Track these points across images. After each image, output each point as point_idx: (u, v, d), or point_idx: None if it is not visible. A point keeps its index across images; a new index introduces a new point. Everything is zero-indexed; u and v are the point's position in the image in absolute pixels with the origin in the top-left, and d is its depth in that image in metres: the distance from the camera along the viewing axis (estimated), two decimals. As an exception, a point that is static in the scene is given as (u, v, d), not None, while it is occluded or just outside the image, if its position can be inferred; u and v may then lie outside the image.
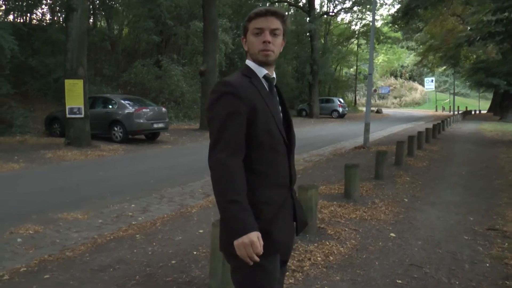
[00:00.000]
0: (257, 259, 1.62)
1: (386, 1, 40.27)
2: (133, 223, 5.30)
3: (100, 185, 7.58)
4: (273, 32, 1.80)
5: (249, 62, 1.87)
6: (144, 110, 13.77)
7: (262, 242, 1.62)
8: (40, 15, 22.71)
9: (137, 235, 4.72)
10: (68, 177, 8.26)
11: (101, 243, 4.47)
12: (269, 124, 1.77)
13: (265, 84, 1.85)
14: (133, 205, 6.17)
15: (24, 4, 20.83)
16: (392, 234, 4.79)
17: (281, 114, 1.88)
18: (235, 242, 1.62)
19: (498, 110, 36.52)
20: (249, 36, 1.84)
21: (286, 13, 1.94)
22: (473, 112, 47.21)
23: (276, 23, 1.81)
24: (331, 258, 4.02)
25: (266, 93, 1.82)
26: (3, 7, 20.05)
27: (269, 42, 1.79)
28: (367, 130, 13.04)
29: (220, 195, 1.65)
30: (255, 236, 1.61)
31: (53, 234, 4.83)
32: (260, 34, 1.80)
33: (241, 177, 1.67)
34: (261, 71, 1.85)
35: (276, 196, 1.80)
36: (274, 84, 1.90)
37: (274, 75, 1.90)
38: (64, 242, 4.57)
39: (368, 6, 35.09)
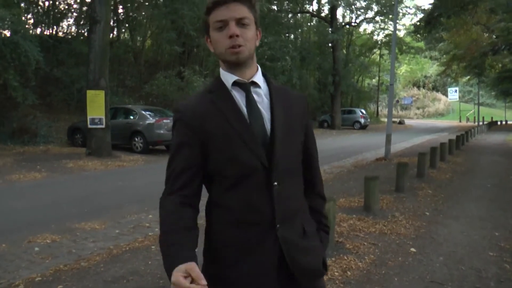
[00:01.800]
0: None
1: (408, 10, 39.87)
2: (150, 234, 5.28)
3: (119, 195, 7.63)
4: (240, 22, 1.39)
5: (221, 70, 1.49)
6: (164, 121, 13.87)
7: (196, 273, 1.20)
8: (66, 28, 23.31)
9: (153, 246, 4.69)
10: (87, 187, 8.35)
11: (116, 254, 4.45)
12: (233, 148, 1.37)
13: (236, 94, 1.44)
14: (150, 216, 6.17)
15: (51, 17, 21.40)
16: (413, 249, 4.64)
17: (266, 126, 1.42)
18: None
19: (526, 120, 35.57)
20: (212, 33, 1.42)
21: None
22: (499, 123, 46.18)
23: (242, 10, 1.39)
24: (349, 273, 3.90)
25: (232, 108, 1.41)
26: (32, 20, 20.63)
27: (238, 36, 1.37)
28: (388, 142, 12.84)
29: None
30: (179, 272, 1.20)
31: (70, 243, 4.84)
32: (224, 28, 1.39)
33: (175, 215, 1.38)
34: (230, 78, 1.44)
35: (242, 236, 1.40)
36: (260, 88, 1.47)
37: (257, 78, 1.46)
38: (80, 252, 4.58)
39: (390, 16, 34.85)
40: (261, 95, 1.46)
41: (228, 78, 1.44)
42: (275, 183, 1.38)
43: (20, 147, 13.18)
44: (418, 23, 24.28)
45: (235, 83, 1.44)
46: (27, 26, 17.35)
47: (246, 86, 1.44)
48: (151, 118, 13.81)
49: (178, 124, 1.42)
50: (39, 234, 5.06)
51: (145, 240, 4.98)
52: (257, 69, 1.49)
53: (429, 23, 20.49)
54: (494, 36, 27.01)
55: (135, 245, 4.78)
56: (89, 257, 4.39)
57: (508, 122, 48.03)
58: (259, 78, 1.47)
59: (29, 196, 7.38)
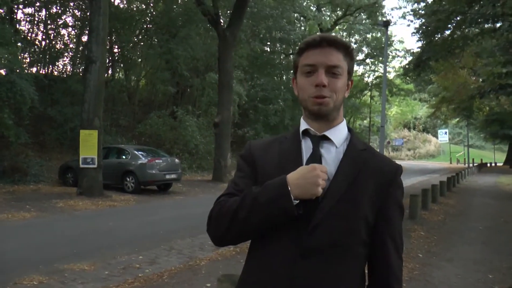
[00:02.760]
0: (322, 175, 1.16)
1: (398, 53, 41.09)
2: (140, 275, 5.18)
3: (109, 235, 7.51)
4: (331, 71, 1.24)
5: (302, 117, 1.36)
6: (157, 161, 13.87)
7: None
8: (62, 67, 23.57)
9: (143, 289, 4.60)
10: (78, 227, 8.22)
11: (105, 297, 4.35)
12: None
13: (304, 145, 1.30)
14: (141, 257, 6.07)
15: (47, 56, 21.68)
16: (407, 292, 4.59)
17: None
18: (295, 191, 1.16)
19: (515, 162, 35.98)
20: (299, 76, 1.30)
21: (351, 44, 1.34)
22: (488, 165, 46.58)
23: (335, 57, 1.25)
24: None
25: (293, 159, 1.27)
26: (28, 59, 20.87)
27: (325, 86, 1.23)
28: (380, 182, 12.87)
29: (228, 223, 1.24)
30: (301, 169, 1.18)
31: (58, 285, 4.73)
32: (313, 74, 1.25)
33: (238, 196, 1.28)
34: (302, 127, 1.32)
35: None
36: (334, 143, 1.29)
37: (332, 132, 1.29)
38: (69, 294, 4.47)
39: (380, 59, 35.76)
40: (331, 153, 1.28)
41: (302, 126, 1.33)
42: (304, 254, 1.19)
43: (10, 186, 13.01)
44: (407, 66, 24.91)
45: (306, 133, 1.31)
46: (23, 65, 17.54)
47: (315, 139, 1.29)
48: (143, 158, 13.80)
49: (240, 160, 1.37)
50: (26, 276, 4.94)
51: (135, 281, 4.88)
52: (340, 123, 1.32)
53: (418, 66, 21.04)
54: (480, 80, 27.72)
55: (125, 286, 4.68)
56: (77, 299, 4.28)
57: (498, 164, 48.44)
58: (337, 132, 1.30)
59: (17, 236, 7.25)
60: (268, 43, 30.22)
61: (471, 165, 38.61)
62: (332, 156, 1.27)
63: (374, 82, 42.64)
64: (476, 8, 15.29)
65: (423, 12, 21.13)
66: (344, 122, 1.33)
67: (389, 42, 35.43)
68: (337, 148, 1.28)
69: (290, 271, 1.18)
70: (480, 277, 5.27)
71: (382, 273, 1.28)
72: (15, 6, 19.20)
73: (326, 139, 1.28)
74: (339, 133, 1.30)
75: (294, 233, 1.20)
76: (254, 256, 1.30)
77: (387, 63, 30.93)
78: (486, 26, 16.71)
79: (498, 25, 15.72)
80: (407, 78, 28.90)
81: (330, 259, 1.19)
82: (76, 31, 22.79)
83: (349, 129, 1.34)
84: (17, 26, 19.49)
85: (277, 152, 1.31)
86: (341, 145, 1.29)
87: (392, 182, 1.28)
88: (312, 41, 1.26)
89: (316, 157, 1.25)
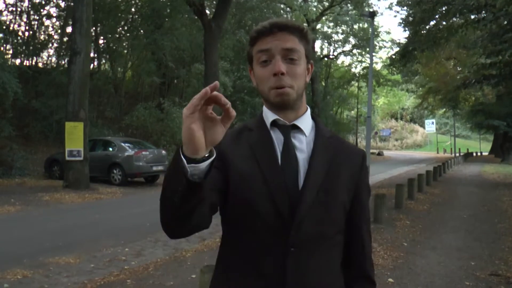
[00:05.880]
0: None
1: (385, 44, 41.09)
2: (126, 267, 5.18)
3: (95, 228, 7.48)
4: (287, 56, 1.17)
5: (264, 107, 1.28)
6: (143, 153, 13.80)
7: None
8: (46, 58, 23.24)
9: (128, 280, 4.60)
10: (63, 220, 8.17)
11: (90, 289, 4.35)
12: (251, 191, 1.14)
13: (274, 136, 1.23)
14: (127, 249, 6.06)
15: (31, 48, 21.35)
16: (391, 280, 4.65)
17: (300, 179, 1.18)
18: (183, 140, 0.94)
19: (499, 152, 36.45)
20: (255, 66, 1.23)
21: (304, 26, 1.24)
22: (474, 154, 47.16)
23: (290, 41, 1.17)
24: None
25: (266, 151, 1.20)
26: (11, 51, 20.52)
27: (283, 74, 1.15)
28: (367, 173, 12.97)
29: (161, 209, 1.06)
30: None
31: (42, 279, 4.71)
32: (269, 63, 1.17)
33: None
34: (270, 117, 1.24)
35: None
36: (303, 133, 1.24)
37: (301, 121, 1.24)
38: (53, 287, 4.45)
39: (367, 49, 35.83)
40: (303, 142, 1.23)
41: (268, 117, 1.24)
42: (293, 249, 1.14)
43: (-6, 179, 12.88)
44: (394, 56, 24.99)
45: (274, 124, 1.24)
46: (6, 56, 17.23)
47: (286, 129, 1.23)
48: (130, 150, 13.73)
49: None
50: (10, 270, 4.90)
51: (120, 274, 4.88)
52: (305, 111, 1.27)
53: (404, 57, 21.13)
54: (467, 71, 27.95)
55: (110, 279, 4.68)
56: (62, 292, 4.27)
57: (483, 154, 49.09)
58: (304, 121, 1.26)
59: (2, 231, 7.17)
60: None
61: (457, 154, 39.05)
62: (303, 144, 1.23)
63: (361, 72, 42.72)
64: (462, -1, 15.38)
65: (409, 2, 21.21)
66: (309, 111, 1.29)
67: (375, 33, 35.50)
68: (306, 137, 1.24)
69: (281, 266, 1.13)
70: (462, 264, 5.36)
71: (358, 258, 1.30)
72: (-4, -4, 18.83)
73: (296, 128, 1.23)
74: (307, 122, 1.26)
75: (278, 227, 1.14)
76: (231, 257, 1.22)
77: (374, 54, 31.05)
78: (471, 16, 16.83)
79: (482, 16, 15.84)
80: (393, 68, 28.98)
81: (316, 250, 1.17)
82: (60, 22, 22.46)
83: (313, 117, 1.29)
84: (-2, 17, 19.13)
85: (247, 145, 1.22)
86: (310, 134, 1.25)
87: (362, 167, 1.29)
88: (263, 29, 1.18)
89: (289, 149, 1.20)
